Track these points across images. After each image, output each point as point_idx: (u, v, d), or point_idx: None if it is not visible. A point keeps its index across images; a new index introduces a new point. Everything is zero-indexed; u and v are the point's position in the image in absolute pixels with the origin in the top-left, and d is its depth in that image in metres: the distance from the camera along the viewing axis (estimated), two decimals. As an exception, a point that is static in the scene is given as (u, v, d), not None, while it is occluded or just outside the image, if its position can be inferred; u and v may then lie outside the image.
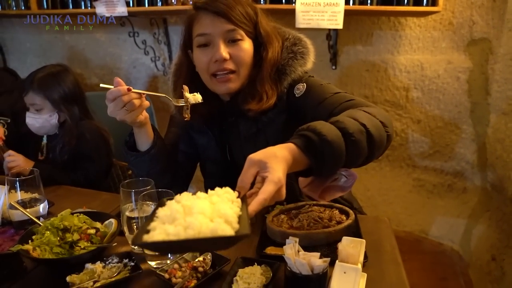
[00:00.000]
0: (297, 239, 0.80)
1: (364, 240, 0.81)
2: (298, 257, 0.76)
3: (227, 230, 0.55)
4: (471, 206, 2.36)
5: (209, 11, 1.10)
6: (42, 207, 1.12)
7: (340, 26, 1.87)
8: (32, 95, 1.59)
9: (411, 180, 2.48)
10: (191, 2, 2.07)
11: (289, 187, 0.99)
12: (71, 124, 1.62)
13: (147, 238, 0.57)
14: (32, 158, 1.57)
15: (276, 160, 0.74)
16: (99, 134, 1.67)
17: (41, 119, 1.59)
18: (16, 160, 1.48)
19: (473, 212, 2.35)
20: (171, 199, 0.72)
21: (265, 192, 0.70)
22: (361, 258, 0.79)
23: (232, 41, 1.12)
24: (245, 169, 0.75)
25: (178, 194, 0.72)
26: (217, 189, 0.72)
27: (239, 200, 0.70)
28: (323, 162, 0.80)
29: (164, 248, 0.55)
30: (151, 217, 0.65)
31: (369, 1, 1.94)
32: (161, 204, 0.72)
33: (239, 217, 0.63)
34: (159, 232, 0.57)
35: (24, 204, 1.09)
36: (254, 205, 0.68)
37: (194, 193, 0.71)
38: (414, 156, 2.43)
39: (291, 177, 0.98)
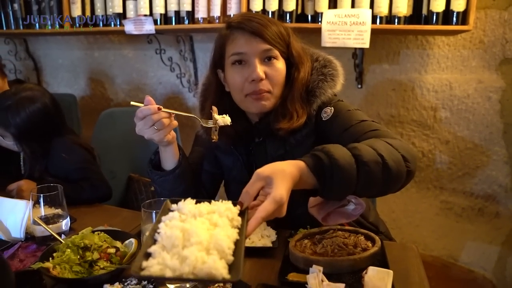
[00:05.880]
0: (321, 268, 0.77)
1: (391, 271, 0.77)
2: (321, 288, 0.73)
3: (220, 269, 0.58)
4: (505, 233, 2.24)
5: (244, 30, 1.10)
6: (65, 224, 1.13)
7: (366, 45, 1.84)
8: None
9: (438, 202, 2.37)
10: (217, 21, 2.09)
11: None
12: (33, 161, 1.51)
13: (145, 265, 0.59)
14: (12, 168, 1.53)
15: (283, 176, 0.74)
16: (77, 147, 1.57)
17: (5, 143, 1.54)
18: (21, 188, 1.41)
19: (508, 239, 2.23)
20: (176, 202, 0.74)
21: (265, 210, 0.70)
22: (389, 291, 0.75)
23: (268, 60, 1.11)
24: (251, 183, 0.76)
25: (182, 200, 0.74)
26: (219, 203, 0.73)
27: (239, 218, 0.71)
28: (330, 186, 0.78)
29: (160, 280, 0.60)
30: (152, 233, 0.66)
31: (396, 20, 1.90)
32: (165, 211, 0.73)
33: (236, 244, 0.64)
34: (157, 261, 0.59)
35: (47, 219, 1.10)
36: (252, 224, 0.70)
37: (198, 202, 0.74)
38: (442, 177, 2.33)
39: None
